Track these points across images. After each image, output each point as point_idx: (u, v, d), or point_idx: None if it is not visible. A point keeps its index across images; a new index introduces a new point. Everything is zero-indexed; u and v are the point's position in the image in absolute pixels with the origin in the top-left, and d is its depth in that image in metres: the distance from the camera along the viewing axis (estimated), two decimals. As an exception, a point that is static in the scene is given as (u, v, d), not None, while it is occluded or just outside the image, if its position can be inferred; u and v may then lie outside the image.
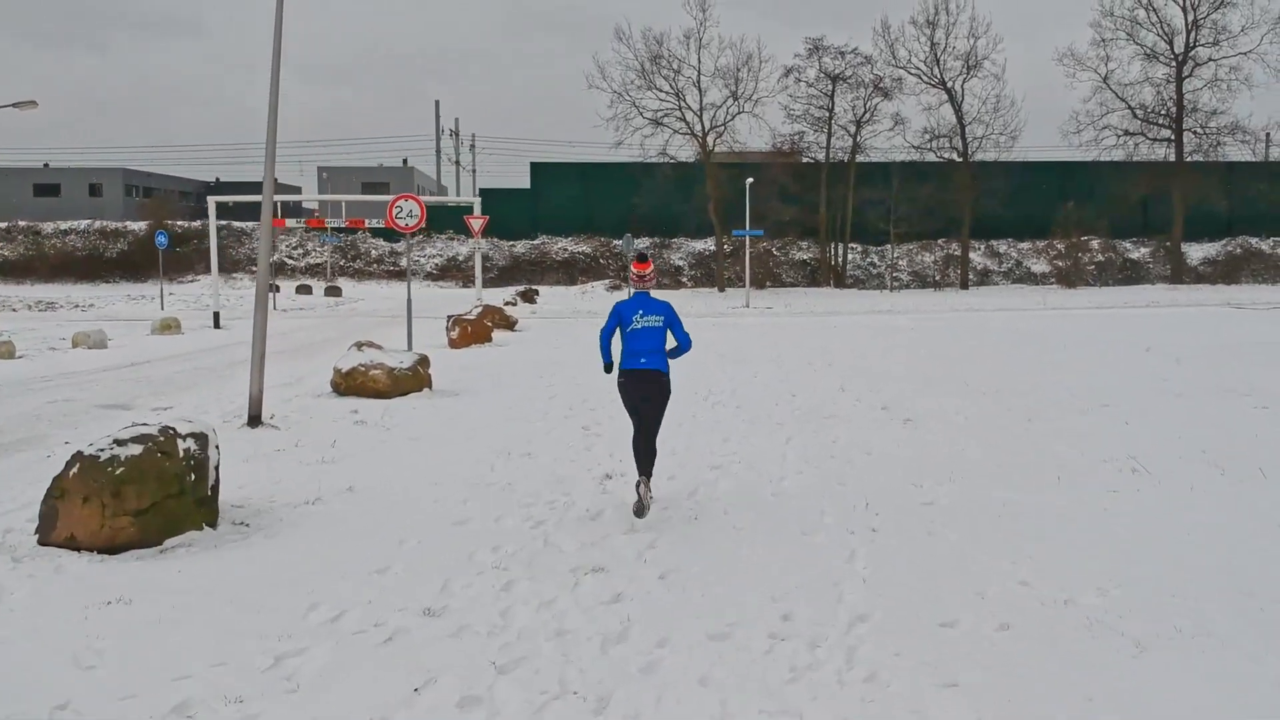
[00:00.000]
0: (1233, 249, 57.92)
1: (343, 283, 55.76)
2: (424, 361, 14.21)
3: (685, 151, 51.85)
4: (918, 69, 53.58)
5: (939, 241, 57.74)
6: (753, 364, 18.41)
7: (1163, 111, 53.96)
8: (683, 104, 49.86)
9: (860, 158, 55.56)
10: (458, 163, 75.55)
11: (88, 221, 61.04)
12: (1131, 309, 35.71)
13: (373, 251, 58.69)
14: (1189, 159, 53.70)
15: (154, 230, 58.07)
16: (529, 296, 39.78)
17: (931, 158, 54.69)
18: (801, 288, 54.39)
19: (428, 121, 71.45)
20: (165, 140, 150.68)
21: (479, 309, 25.60)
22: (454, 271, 57.29)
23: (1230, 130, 52.17)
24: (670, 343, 8.00)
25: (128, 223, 61.12)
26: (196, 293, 49.54)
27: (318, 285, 49.90)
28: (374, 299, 44.77)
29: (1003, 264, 57.95)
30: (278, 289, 48.10)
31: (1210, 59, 52.31)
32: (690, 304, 39.49)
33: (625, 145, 51.02)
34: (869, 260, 57.66)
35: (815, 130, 54.77)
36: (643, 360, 7.81)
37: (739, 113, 50.20)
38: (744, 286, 49.68)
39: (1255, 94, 53.80)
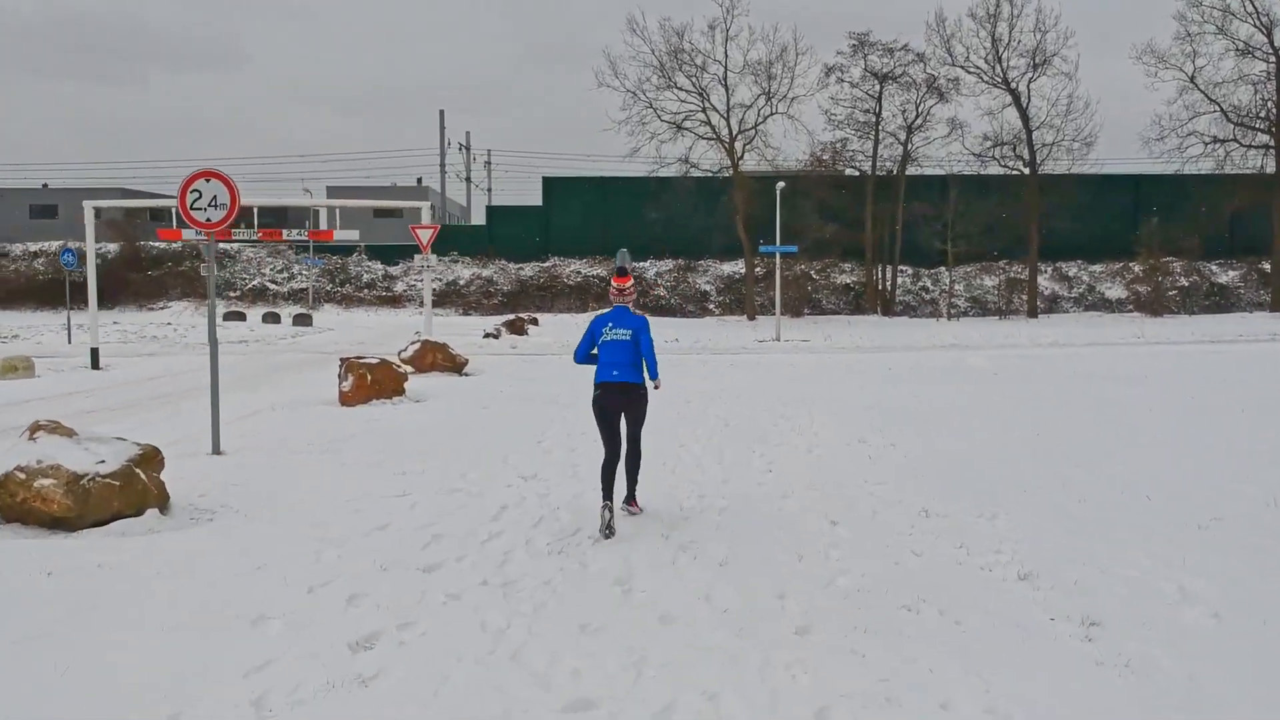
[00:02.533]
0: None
1: (329, 310, 49.92)
2: (150, 457, 7.88)
3: (710, 159, 45.59)
4: (977, 68, 46.99)
5: (1000, 263, 51.00)
6: (768, 443, 11.95)
7: (1260, 114, 46.93)
8: (707, 104, 43.54)
9: (911, 169, 49.01)
10: (468, 179, 69.83)
11: (59, 242, 55.59)
12: (1250, 344, 28.86)
13: (364, 275, 52.78)
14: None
15: (126, 252, 52.76)
16: (518, 326, 33.56)
17: (995, 168, 48.03)
18: (844, 315, 47.82)
19: (446, 142, 64.74)
20: (195, 164, 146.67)
21: (416, 345, 19.37)
22: (453, 297, 51.24)
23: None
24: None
25: (101, 244, 55.55)
26: (162, 319, 43.73)
27: (293, 312, 43.96)
28: (350, 328, 38.73)
29: (1073, 289, 51.06)
30: (243, 317, 42.33)
31: (1317, 50, 45.23)
32: (713, 336, 33.05)
33: (642, 156, 44.78)
34: (920, 284, 51.00)
35: (860, 137, 48.34)
36: (615, 373, 7.80)
37: (772, 114, 43.76)
38: (789, 317, 43.40)
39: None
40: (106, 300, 51.21)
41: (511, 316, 36.48)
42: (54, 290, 51.98)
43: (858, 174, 48.70)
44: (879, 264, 49.25)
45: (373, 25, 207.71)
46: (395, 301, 51.20)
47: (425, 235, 21.74)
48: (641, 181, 48.74)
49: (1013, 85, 46.56)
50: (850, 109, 47.73)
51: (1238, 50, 46.53)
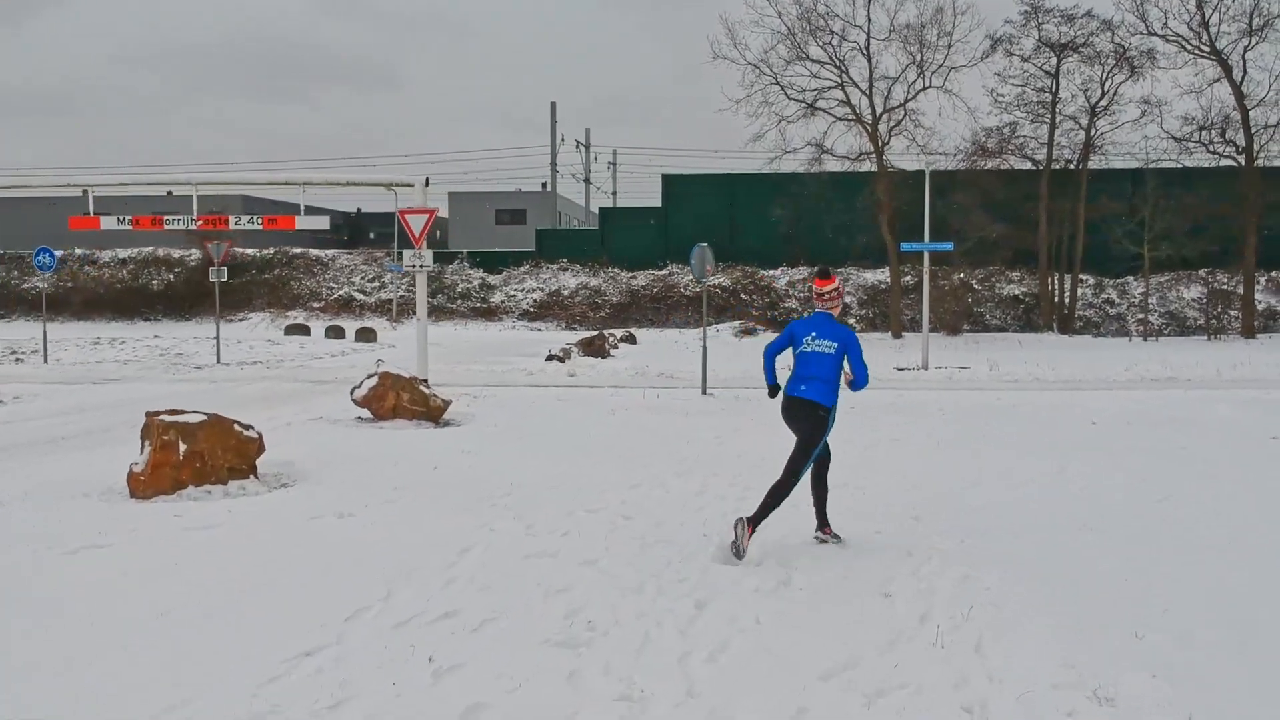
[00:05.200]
0: None
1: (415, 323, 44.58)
2: None
3: (848, 145, 38.45)
4: (1178, 35, 38.56)
5: (1199, 273, 42.34)
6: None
7: None
8: (845, 78, 36.37)
9: (1095, 159, 40.89)
10: (587, 180, 64.02)
11: (149, 249, 52.02)
12: None
13: (460, 285, 47.40)
14: None
15: (207, 260, 48.67)
16: (597, 346, 27.20)
17: (1201, 158, 39.57)
18: (1012, 333, 40.01)
19: (559, 138, 59.16)
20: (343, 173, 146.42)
21: (373, 379, 13.23)
22: (555, 309, 45.37)
23: None
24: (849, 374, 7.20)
25: (186, 250, 51.65)
26: (238, 335, 39.03)
27: (367, 325, 38.73)
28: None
29: (1294, 303, 42.00)
30: (307, 331, 37.30)
31: None
32: (840, 360, 26.02)
33: (767, 143, 37.96)
34: (1103, 297, 42.76)
35: (1033, 121, 40.49)
36: (803, 388, 7.19)
37: (925, 88, 36.29)
38: (933, 333, 36.04)
39: None
40: (185, 311, 47.35)
41: (594, 333, 30.13)
42: (132, 299, 48.41)
43: (1030, 165, 40.84)
44: (1055, 272, 41.24)
45: (531, 46, 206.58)
46: (490, 314, 45.64)
47: (417, 224, 15.58)
48: (773, 177, 41.95)
49: (1224, 54, 38.04)
50: (1021, 88, 40.05)
51: None
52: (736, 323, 40.05)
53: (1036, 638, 5.27)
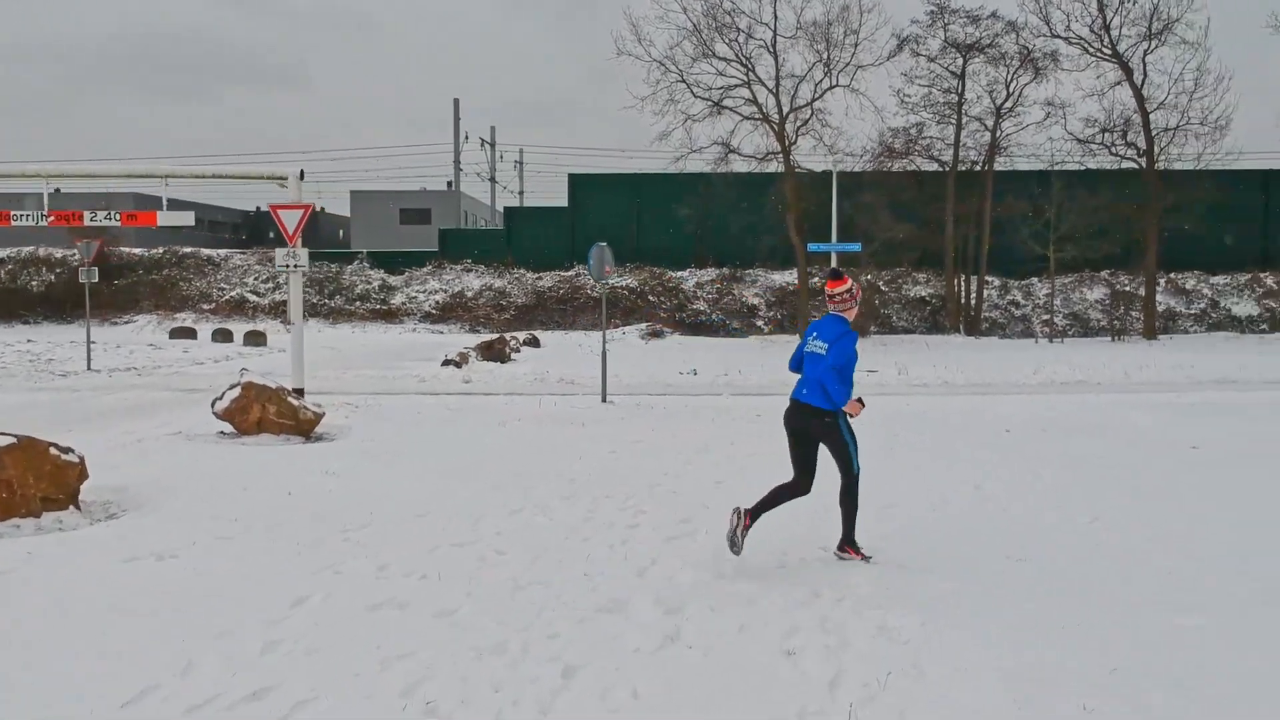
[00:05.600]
0: None
1: (314, 324, 42.94)
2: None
3: (756, 144, 37.85)
4: (1080, 37, 38.75)
5: (1102, 274, 42.62)
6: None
7: None
8: (752, 77, 35.68)
9: (1001, 160, 40.90)
10: (493, 179, 62.60)
11: (29, 249, 49.31)
12: None
13: (359, 285, 45.76)
14: None
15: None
16: (497, 350, 26.04)
17: (1103, 160, 39.80)
18: (919, 335, 39.80)
19: (463, 136, 57.49)
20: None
21: (235, 390, 12.04)
22: (459, 311, 44.00)
23: None
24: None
25: (69, 250, 49.08)
26: (120, 339, 36.97)
27: (258, 329, 36.99)
28: (313, 350, 31.50)
29: (1192, 304, 42.48)
30: (193, 334, 35.51)
31: None
32: (750, 364, 25.46)
33: (674, 142, 37.14)
34: (1008, 298, 42.78)
35: (940, 123, 40.31)
36: (804, 391, 7.02)
37: (831, 87, 35.79)
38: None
39: None
40: (66, 314, 44.97)
41: (494, 337, 28.93)
42: (9, 301, 45.84)
43: (937, 166, 40.70)
44: (961, 273, 41.17)
45: (439, 46, 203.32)
46: (391, 316, 44.09)
47: (291, 220, 14.34)
48: (681, 177, 41.21)
49: (1125, 57, 38.31)
50: (928, 89, 39.83)
51: (1404, 14, 37.82)
52: (643, 325, 39.19)
53: (964, 713, 4.41)
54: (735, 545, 6.65)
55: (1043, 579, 6.49)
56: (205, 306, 44.85)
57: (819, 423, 6.93)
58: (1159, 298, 40.80)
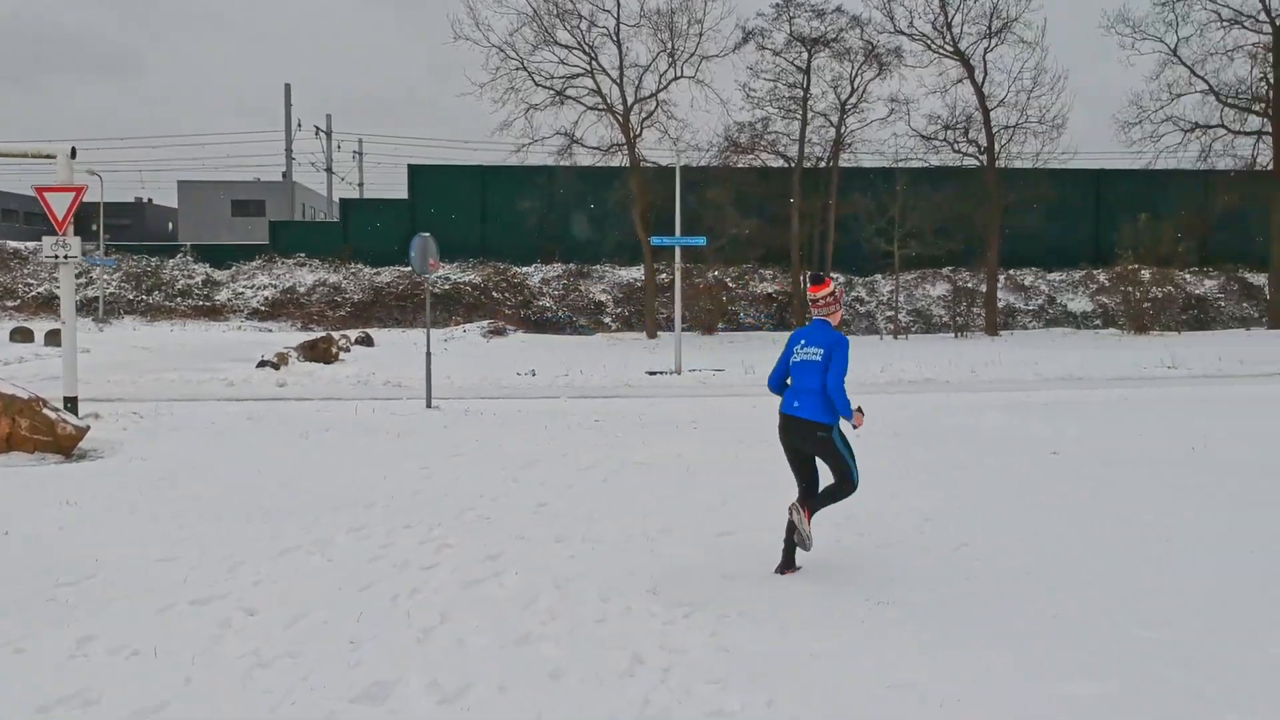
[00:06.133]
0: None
1: (129, 323, 40.06)
2: None
3: (600, 135, 36.75)
4: (923, 34, 38.97)
5: (945, 271, 43.00)
6: None
7: (1248, 93, 39.62)
8: (595, 66, 34.51)
9: (846, 157, 40.77)
10: (329, 169, 59.88)
11: None
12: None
13: (180, 280, 42.89)
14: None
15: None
16: (322, 350, 24.21)
17: (949, 157, 40.08)
18: (766, 332, 39.32)
19: (296, 124, 54.79)
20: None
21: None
22: (289, 308, 41.65)
23: (1362, 116, 37.75)
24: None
25: None
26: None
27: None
28: (117, 347, 29.04)
29: (1031, 300, 43.23)
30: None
31: (1328, 17, 37.96)
32: (594, 364, 24.32)
33: (516, 132, 35.75)
34: (853, 295, 42.75)
35: (785, 117, 39.91)
36: (796, 404, 6.55)
37: (676, 78, 34.90)
38: (688, 332, 34.73)
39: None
40: None
41: (319, 336, 27.02)
42: None
43: (783, 162, 40.29)
44: (807, 270, 40.86)
45: (278, 35, 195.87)
46: (215, 313, 41.47)
47: (60, 204, 12.46)
48: (526, 170, 39.83)
49: (966, 55, 38.61)
50: (773, 83, 39.40)
51: (1223, 21, 39.17)
52: (485, 323, 37.63)
53: None
54: (806, 541, 6.41)
55: (907, 629, 5.45)
56: (9, 304, 41.41)
57: (814, 437, 6.54)
58: (1001, 294, 41.33)
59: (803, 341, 6.67)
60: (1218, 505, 8.54)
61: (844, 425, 6.70)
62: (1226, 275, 43.67)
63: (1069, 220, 43.62)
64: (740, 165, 39.45)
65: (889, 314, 40.43)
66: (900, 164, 40.29)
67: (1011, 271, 43.49)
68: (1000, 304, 41.04)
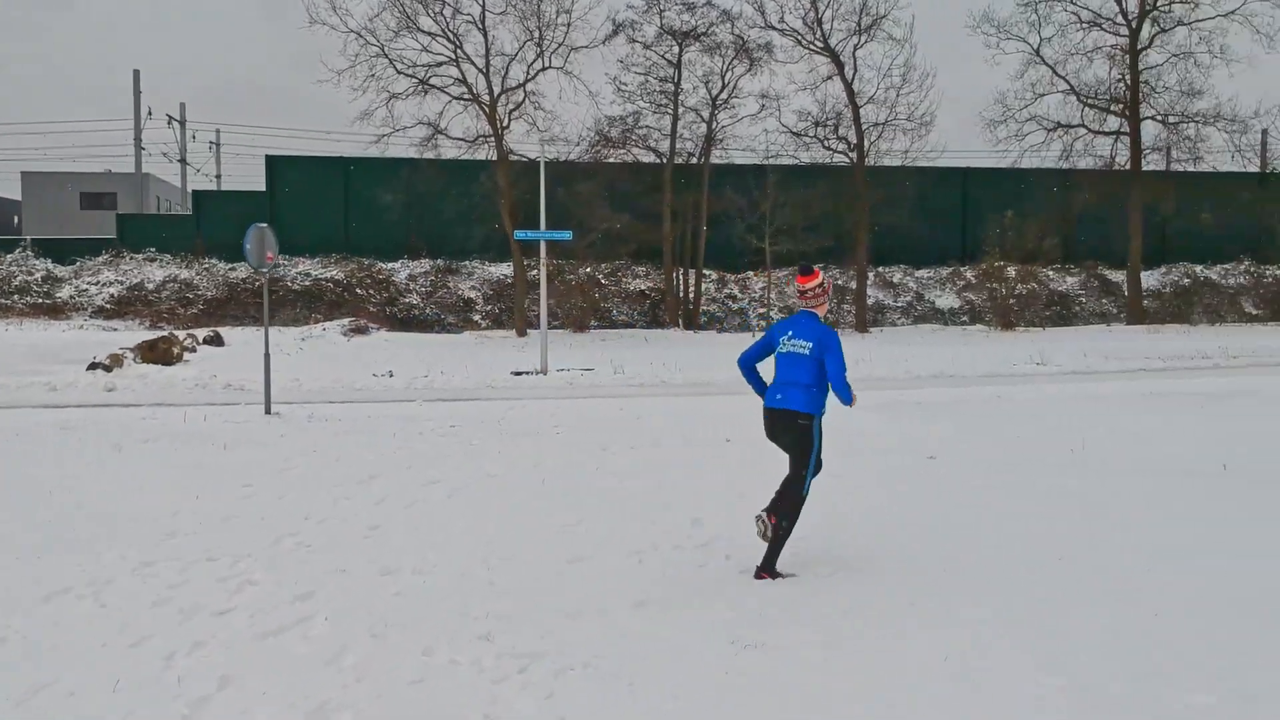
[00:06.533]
0: (1177, 278, 44.91)
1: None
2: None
3: (467, 127, 35.51)
4: (793, 30, 38.74)
5: (816, 267, 42.84)
6: None
7: (1106, 93, 40.53)
8: (460, 54, 33.26)
9: (718, 153, 40.35)
10: (183, 160, 57.14)
11: None
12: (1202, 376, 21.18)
13: (19, 277, 40.18)
14: (1148, 159, 40.44)
15: None
16: (163, 351, 22.56)
17: (819, 154, 39.99)
18: (639, 329, 38.64)
19: (146, 111, 51.63)
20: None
21: None
22: (138, 305, 39.33)
23: (1213, 118, 38.88)
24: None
25: None
26: None
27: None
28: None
29: (900, 297, 43.51)
30: None
31: (1180, 22, 39.00)
32: (458, 364, 23.26)
33: (379, 124, 34.24)
34: (726, 292, 42.36)
35: (656, 112, 39.28)
36: (779, 396, 6.43)
37: (544, 68, 33.89)
38: (559, 330, 33.94)
39: (1234, 71, 40.70)
40: None
41: (159, 335, 25.29)
42: None
43: (655, 157, 39.66)
44: (679, 267, 40.37)
45: (122, 27, 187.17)
46: (57, 311, 38.90)
47: None
48: (390, 162, 38.29)
49: (836, 51, 38.56)
50: (644, 76, 38.66)
51: (1083, 23, 40.00)
52: (345, 321, 36.06)
53: None
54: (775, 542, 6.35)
55: (768, 681, 4.68)
56: None
57: (795, 426, 6.40)
58: (871, 292, 41.45)
59: (790, 333, 6.53)
60: (1106, 509, 8.05)
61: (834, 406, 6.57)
62: (1087, 272, 44.66)
63: (937, 218, 43.98)
64: (612, 160, 38.70)
65: (761, 310, 40.15)
66: (771, 161, 40.07)
67: (881, 269, 43.69)
68: (870, 301, 41.17)
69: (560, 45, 33.35)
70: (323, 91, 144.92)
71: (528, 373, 21.26)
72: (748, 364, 6.82)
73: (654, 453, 11.22)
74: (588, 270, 38.89)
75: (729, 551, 7.04)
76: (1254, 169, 44.10)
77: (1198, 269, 45.11)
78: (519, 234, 24.33)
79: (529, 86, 33.74)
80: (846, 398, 6.30)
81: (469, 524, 7.82)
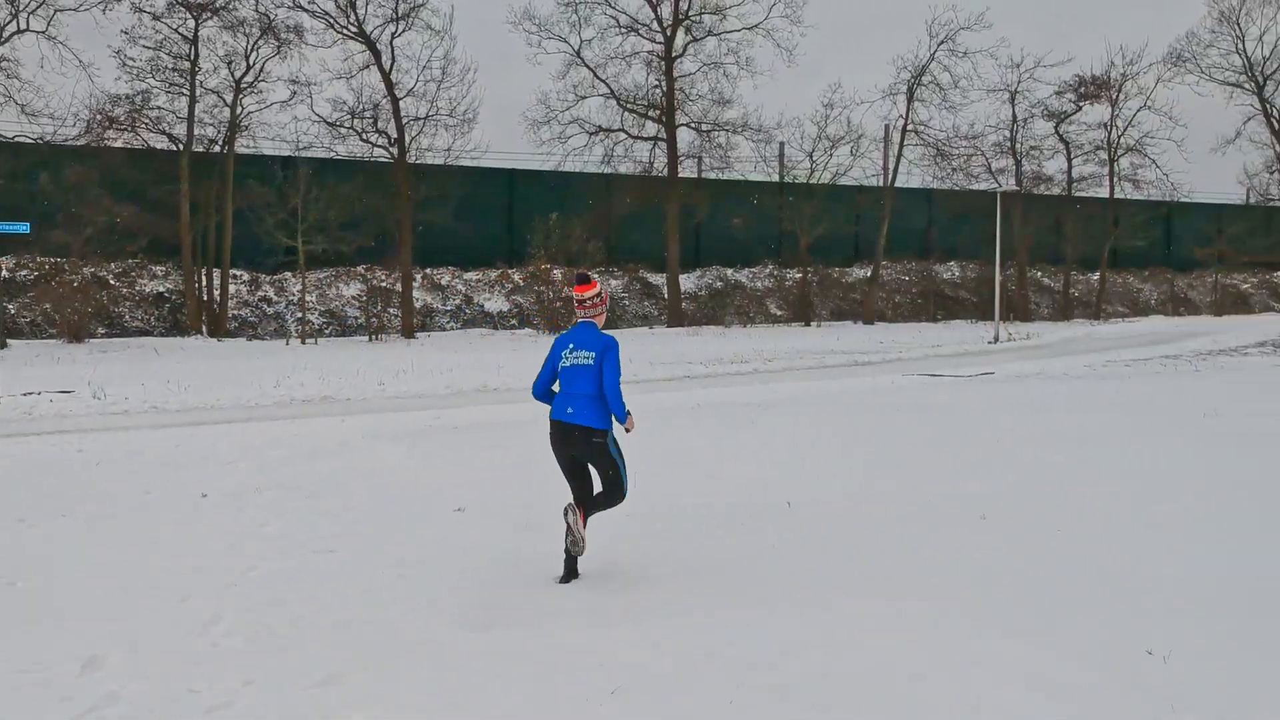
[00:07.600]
0: (711, 280, 46.94)
1: None
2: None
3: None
4: (325, 12, 35.90)
5: (359, 269, 40.36)
6: None
7: (645, 99, 41.32)
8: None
9: (244, 142, 36.57)
10: None
11: None
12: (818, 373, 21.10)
13: None
14: (684, 165, 41.66)
15: None
16: None
17: (358, 147, 37.47)
18: (156, 338, 34.06)
19: None
20: None
21: None
22: None
23: (741, 127, 40.61)
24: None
25: None
26: None
27: None
28: None
29: (448, 300, 41.88)
30: None
31: (710, 32, 40.40)
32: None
33: None
34: (259, 294, 38.68)
35: (171, 92, 34.86)
36: (569, 410, 6.30)
37: (20, 31, 28.59)
38: (51, 340, 29.14)
39: (758, 83, 42.87)
40: None
41: None
42: None
43: (169, 143, 35.19)
44: (204, 266, 36.15)
45: None
46: None
47: None
48: None
49: (373, 39, 36.17)
50: (155, 51, 34.21)
51: (621, 27, 40.47)
52: None
53: None
54: (580, 543, 6.20)
55: None
56: None
57: (589, 443, 6.27)
58: (416, 294, 39.45)
59: (571, 345, 6.43)
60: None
61: (617, 430, 6.43)
62: (630, 275, 45.42)
63: (483, 219, 42.77)
64: (118, 144, 33.86)
65: (299, 315, 36.86)
66: (304, 152, 36.95)
67: (428, 270, 41.85)
68: (418, 304, 39.18)
69: (41, 5, 28.28)
70: None
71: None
72: (543, 391, 6.58)
73: (78, 525, 8.41)
74: (91, 269, 33.78)
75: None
76: (777, 177, 46.87)
77: (729, 272, 47.30)
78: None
79: (3, 51, 28.35)
80: (620, 412, 6.18)
81: None
